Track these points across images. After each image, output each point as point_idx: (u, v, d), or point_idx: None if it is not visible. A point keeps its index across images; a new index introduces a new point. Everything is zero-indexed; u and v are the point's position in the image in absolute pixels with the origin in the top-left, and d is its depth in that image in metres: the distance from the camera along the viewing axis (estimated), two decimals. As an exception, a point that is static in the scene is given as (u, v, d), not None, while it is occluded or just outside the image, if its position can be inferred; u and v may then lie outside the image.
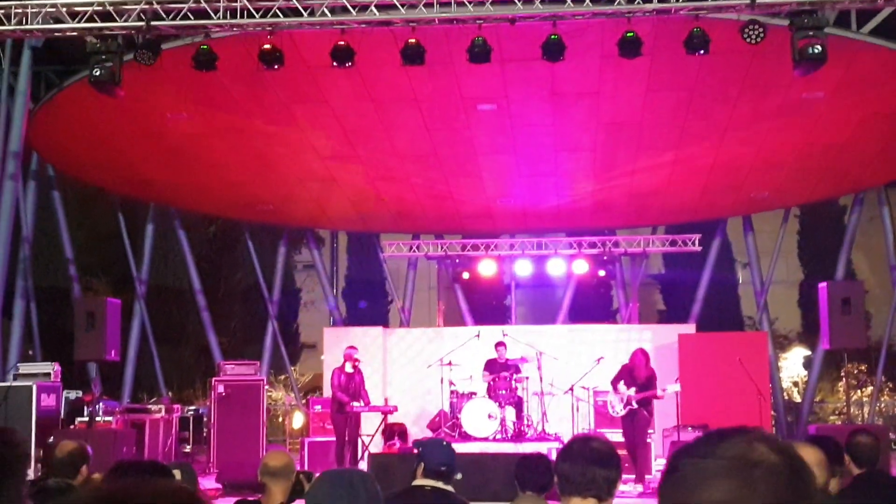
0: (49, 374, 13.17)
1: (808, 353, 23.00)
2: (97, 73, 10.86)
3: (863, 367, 21.70)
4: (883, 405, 21.30)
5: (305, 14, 10.67)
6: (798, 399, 22.46)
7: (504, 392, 14.04)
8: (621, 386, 12.76)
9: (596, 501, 3.35)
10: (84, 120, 14.41)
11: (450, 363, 14.55)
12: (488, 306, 23.73)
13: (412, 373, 16.59)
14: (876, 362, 20.08)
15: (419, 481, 4.95)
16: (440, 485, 4.92)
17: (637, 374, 12.67)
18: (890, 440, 14.75)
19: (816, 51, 10.22)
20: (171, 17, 10.67)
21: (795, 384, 24.13)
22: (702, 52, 10.86)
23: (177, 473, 4.28)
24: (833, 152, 15.54)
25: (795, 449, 1.32)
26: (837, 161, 16.03)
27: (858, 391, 21.58)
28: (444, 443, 5.20)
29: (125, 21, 10.74)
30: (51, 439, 11.28)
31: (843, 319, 13.79)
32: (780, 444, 1.31)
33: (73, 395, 14.56)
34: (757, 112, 13.83)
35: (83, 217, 21.07)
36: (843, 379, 17.78)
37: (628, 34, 10.60)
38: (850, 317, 13.80)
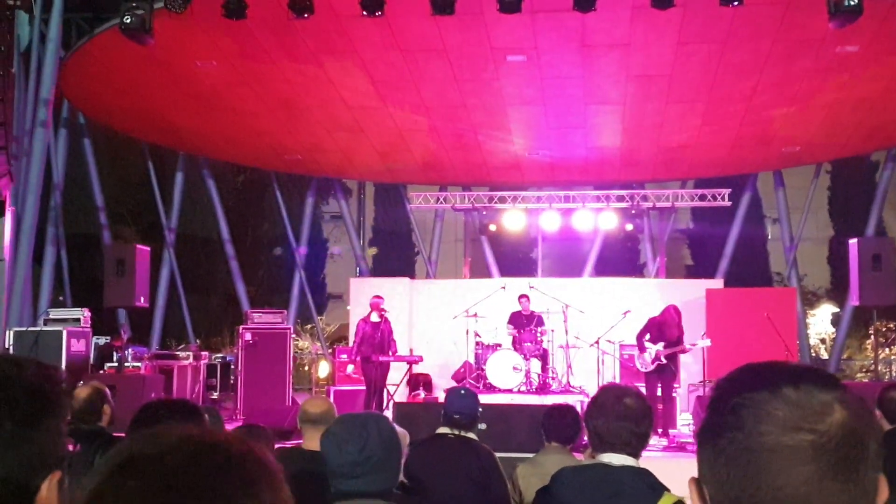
0: (79, 320, 13.33)
1: (837, 310, 22.88)
2: (128, 21, 10.88)
3: (891, 325, 21.58)
4: (911, 363, 21.21)
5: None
6: (825, 356, 22.38)
7: (529, 344, 14.09)
8: (647, 343, 12.73)
9: (630, 456, 3.35)
10: (114, 68, 14.43)
11: (475, 315, 14.60)
12: (514, 259, 23.75)
13: (438, 324, 16.64)
14: (904, 320, 19.97)
15: (442, 429, 4.99)
16: (463, 433, 4.96)
17: (668, 330, 12.61)
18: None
19: (853, 2, 10.05)
20: (200, -36, 10.62)
21: (823, 341, 24.05)
22: (735, 3, 10.70)
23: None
24: (866, 107, 15.33)
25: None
26: (870, 116, 15.81)
27: (887, 349, 21.48)
28: (464, 391, 5.22)
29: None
30: (80, 384, 11.44)
31: (873, 276, 13.70)
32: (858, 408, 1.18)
33: (102, 340, 14.74)
34: (789, 66, 13.64)
35: (113, 165, 21.19)
36: (872, 336, 17.69)
37: (661, -16, 10.46)
38: (880, 273, 13.70)
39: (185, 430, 1.06)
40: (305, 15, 11.22)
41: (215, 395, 15.59)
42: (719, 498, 1.18)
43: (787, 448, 1.13)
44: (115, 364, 13.70)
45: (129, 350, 14.42)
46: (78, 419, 5.09)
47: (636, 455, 3.37)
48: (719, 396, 1.22)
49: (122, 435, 5.06)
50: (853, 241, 14.39)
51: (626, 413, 3.33)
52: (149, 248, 14.39)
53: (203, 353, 15.72)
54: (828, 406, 1.15)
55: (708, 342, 13.19)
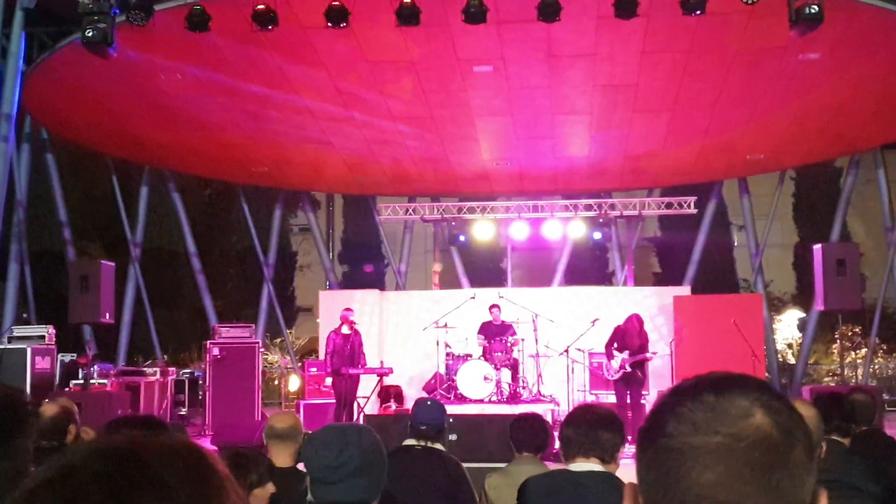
0: (44, 337, 13.17)
1: (803, 315, 23.06)
2: (90, 34, 10.78)
3: (857, 329, 21.78)
4: (877, 367, 21.39)
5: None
6: (792, 361, 22.55)
7: (500, 354, 14.09)
8: (614, 352, 12.81)
9: (599, 462, 3.36)
10: (77, 82, 14.30)
11: (445, 325, 14.59)
12: (484, 269, 23.76)
13: (408, 335, 16.61)
14: (870, 324, 20.14)
15: (409, 441, 4.96)
16: (431, 444, 4.93)
17: (629, 339, 12.73)
18: (883, 401, 14.84)
19: (814, 10, 10.16)
20: (162, -24, 10.56)
21: (790, 346, 24.23)
22: (698, 12, 10.79)
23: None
24: (829, 114, 15.49)
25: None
26: (833, 123, 15.97)
27: (852, 353, 21.67)
28: (430, 402, 5.20)
29: (117, -19, 10.62)
30: (45, 402, 11.29)
31: (837, 281, 13.84)
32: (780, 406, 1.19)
33: (67, 357, 14.58)
34: (753, 73, 13.75)
35: (77, 180, 20.99)
36: (838, 341, 17.85)
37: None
38: (844, 278, 13.85)
39: (103, 442, 1.02)
40: (270, 27, 11.18)
41: (183, 411, 15.47)
42: (647, 501, 1.20)
43: (695, 449, 1.15)
44: (81, 381, 13.55)
45: (95, 367, 14.26)
46: (42, 437, 5.01)
47: (607, 461, 3.38)
48: (655, 406, 1.25)
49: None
50: (817, 247, 14.54)
51: (595, 419, 3.38)
52: (114, 264, 14.26)
53: (170, 368, 15.59)
54: (746, 411, 1.16)
55: (667, 350, 13.30)
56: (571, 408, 3.84)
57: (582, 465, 3.32)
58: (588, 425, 3.38)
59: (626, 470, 3.35)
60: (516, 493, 4.81)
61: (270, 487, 3.98)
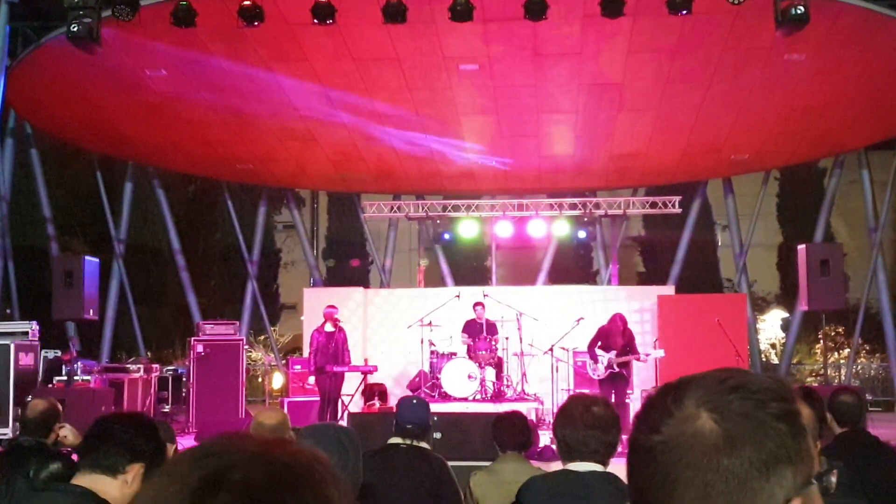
0: (27, 333, 13.10)
1: (787, 315, 23.16)
2: (75, 29, 10.74)
3: (840, 330, 21.88)
4: (860, 367, 21.50)
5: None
6: (776, 361, 22.64)
7: (484, 353, 14.10)
8: (599, 352, 12.84)
9: (596, 464, 3.34)
10: (62, 77, 14.23)
11: (430, 324, 14.59)
12: (469, 267, 23.76)
13: (392, 333, 16.61)
14: (853, 324, 20.25)
15: (394, 439, 4.96)
16: (416, 442, 4.92)
17: (613, 339, 12.76)
18: (866, 402, 14.89)
19: (799, 11, 10.21)
20: (148, -28, 10.52)
21: (773, 346, 24.33)
22: (684, 12, 10.82)
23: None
24: (813, 114, 15.55)
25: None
26: (817, 123, 16.04)
27: (836, 353, 21.78)
28: (415, 401, 5.20)
29: (102, -24, 10.58)
30: (29, 398, 11.23)
31: (821, 281, 13.90)
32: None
33: (51, 354, 14.49)
34: (738, 74, 13.80)
35: (61, 175, 20.87)
36: (821, 341, 17.93)
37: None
38: (828, 278, 13.91)
39: (251, 444, 1.08)
40: (256, 23, 11.15)
41: (167, 408, 15.39)
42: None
43: (639, 447, 1.20)
44: (64, 378, 13.47)
45: (79, 363, 14.19)
46: (28, 431, 5.00)
47: (604, 463, 3.37)
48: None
49: (65, 450, 4.97)
50: (801, 247, 14.60)
51: (594, 422, 3.33)
52: (98, 260, 14.19)
53: (154, 365, 15.51)
54: (692, 416, 1.17)
55: (661, 353, 13.31)
56: (563, 401, 3.71)
57: (584, 466, 3.27)
58: (586, 428, 3.32)
59: (614, 468, 3.35)
60: (502, 491, 4.82)
61: None
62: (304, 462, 1.07)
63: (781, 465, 1.15)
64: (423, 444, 4.95)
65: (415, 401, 5.20)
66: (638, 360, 12.96)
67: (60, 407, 5.26)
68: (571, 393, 14.67)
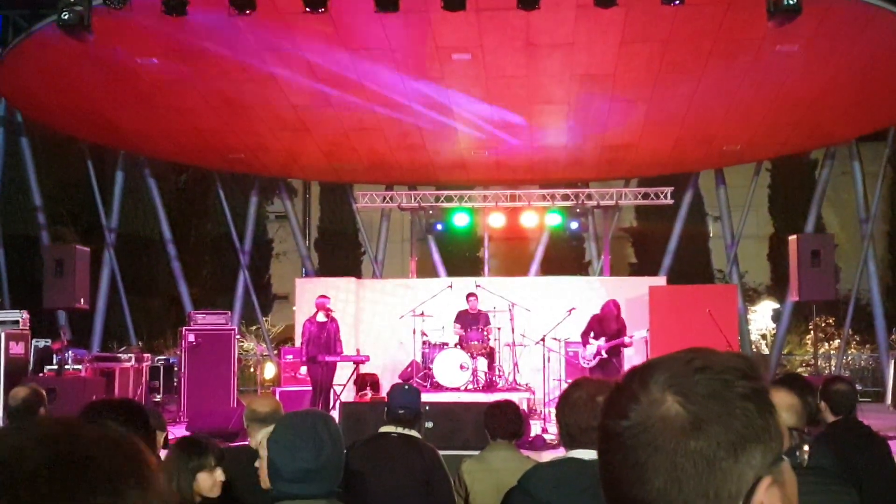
0: (18, 322, 13.08)
1: (777, 305, 23.21)
2: (66, 17, 10.70)
3: (831, 321, 21.95)
4: (850, 358, 21.57)
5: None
6: (766, 351, 22.70)
7: (476, 343, 14.12)
8: (591, 340, 12.88)
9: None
10: (53, 65, 14.16)
11: (422, 314, 14.60)
12: (461, 258, 23.77)
13: (384, 324, 16.61)
14: (844, 315, 20.32)
15: (385, 428, 4.96)
16: (407, 431, 4.93)
17: (607, 325, 12.80)
18: (857, 391, 14.94)
19: (791, 2, 10.21)
20: (139, -40, 10.47)
21: (764, 337, 24.38)
22: (677, 2, 10.82)
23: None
24: (805, 106, 15.57)
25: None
26: (809, 115, 16.06)
27: (826, 344, 21.85)
28: (407, 387, 5.21)
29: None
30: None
31: (812, 272, 13.94)
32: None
33: (41, 343, 14.47)
34: (730, 65, 13.80)
35: (52, 164, 20.80)
36: (812, 332, 17.98)
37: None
38: (819, 269, 13.94)
39: (46, 428, 1.01)
40: (247, 11, 11.12)
41: (158, 398, 15.38)
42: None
43: (608, 433, 1.21)
44: (55, 367, 13.45)
45: (70, 352, 14.16)
46: (13, 418, 5.00)
47: None
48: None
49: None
50: (792, 238, 14.63)
51: (599, 411, 3.26)
52: (89, 249, 14.15)
53: (145, 354, 15.50)
54: (658, 400, 1.18)
55: (644, 332, 13.34)
56: (566, 387, 3.61)
57: (588, 454, 3.20)
58: (591, 416, 3.25)
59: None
60: (492, 479, 4.83)
61: (219, 475, 3.99)
62: (92, 449, 0.99)
63: (750, 445, 1.15)
64: (414, 432, 4.96)
65: (406, 387, 5.22)
66: (624, 344, 13.00)
67: (43, 391, 5.25)
68: (563, 382, 14.71)
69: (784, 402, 3.58)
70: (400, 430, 4.91)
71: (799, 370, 21.71)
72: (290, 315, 20.19)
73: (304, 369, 13.92)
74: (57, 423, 1.02)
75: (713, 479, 1.14)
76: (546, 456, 8.12)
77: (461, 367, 13.76)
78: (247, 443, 4.75)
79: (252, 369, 21.18)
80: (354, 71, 14.11)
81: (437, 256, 22.37)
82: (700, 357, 1.23)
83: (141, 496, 0.99)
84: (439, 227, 18.61)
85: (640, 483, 1.16)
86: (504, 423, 5.10)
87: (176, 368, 15.45)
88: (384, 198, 19.04)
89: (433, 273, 21.73)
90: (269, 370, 17.26)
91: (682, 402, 1.16)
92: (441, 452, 5.02)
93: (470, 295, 14.68)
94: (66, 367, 13.48)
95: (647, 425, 1.16)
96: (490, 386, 14.01)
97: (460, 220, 18.03)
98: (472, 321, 14.42)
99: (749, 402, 1.17)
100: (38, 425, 1.02)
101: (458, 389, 13.67)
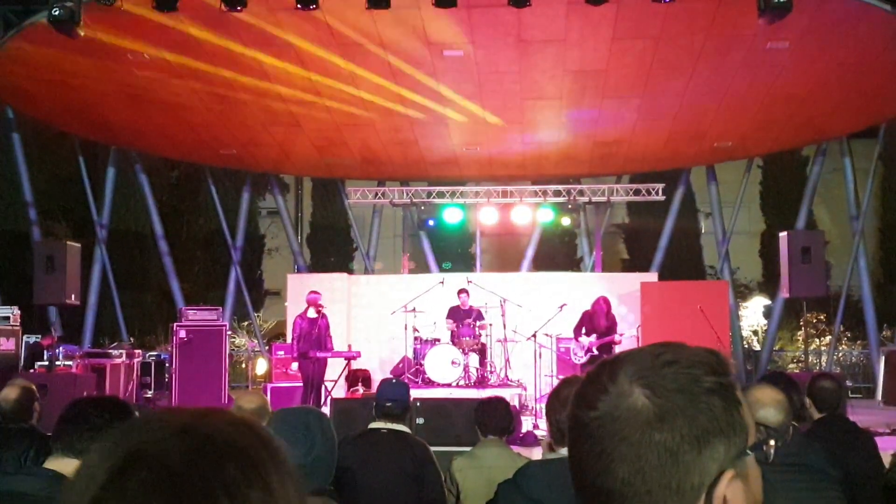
0: (8, 318, 13.05)
1: (769, 302, 23.26)
2: (57, 13, 10.67)
3: (822, 317, 21.99)
4: (841, 354, 21.63)
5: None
6: (758, 347, 22.75)
7: (468, 339, 14.13)
8: (582, 336, 12.91)
9: None
10: (44, 61, 14.11)
11: (414, 310, 14.60)
12: (453, 254, 23.77)
13: (376, 319, 16.61)
14: (835, 312, 20.37)
15: (375, 424, 4.96)
16: (396, 426, 4.93)
17: (597, 321, 12.83)
18: (846, 388, 15.01)
19: (782, -1, 10.22)
20: (130, -45, 10.45)
21: (755, 333, 24.43)
22: (668, -1, 10.81)
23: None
24: (796, 102, 15.60)
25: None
26: (800, 111, 16.09)
27: (817, 340, 21.90)
28: (395, 380, 5.21)
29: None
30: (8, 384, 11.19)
31: (803, 268, 13.97)
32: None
33: (32, 339, 14.44)
34: (721, 61, 13.82)
35: (43, 160, 20.73)
36: (803, 328, 18.02)
37: (595, -20, 10.53)
38: (810, 266, 13.97)
39: (180, 417, 0.98)
40: (238, 7, 11.10)
41: (149, 394, 15.37)
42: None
43: (577, 424, 1.24)
44: (46, 363, 13.43)
45: (60, 348, 14.14)
46: (9, 419, 4.98)
47: None
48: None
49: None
50: (783, 235, 14.66)
51: None
52: (80, 245, 14.12)
53: (137, 350, 15.48)
54: (626, 392, 1.20)
55: (633, 331, 13.38)
56: (556, 385, 3.60)
57: None
58: None
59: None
60: (483, 476, 4.84)
61: None
62: (232, 436, 0.97)
63: (713, 438, 1.17)
64: (403, 427, 4.96)
65: (394, 380, 5.23)
66: (614, 342, 13.04)
67: (34, 387, 5.24)
68: (554, 379, 14.72)
69: (769, 399, 3.60)
70: (389, 425, 4.91)
71: (790, 366, 21.77)
72: (282, 311, 20.17)
73: (294, 365, 13.92)
74: (184, 412, 1.00)
75: (676, 470, 1.16)
76: (537, 452, 8.12)
77: (453, 362, 13.77)
78: None
79: (243, 365, 21.17)
80: (346, 67, 14.09)
81: (429, 252, 22.36)
82: (670, 351, 1.24)
83: (279, 482, 0.98)
84: (431, 222, 18.60)
85: (606, 472, 1.18)
86: (495, 419, 5.11)
87: (167, 364, 15.43)
88: (376, 193, 19.02)
89: (425, 269, 21.74)
90: (261, 366, 17.25)
91: (648, 395, 1.18)
92: (432, 448, 5.02)
93: (461, 291, 14.69)
94: (57, 363, 13.45)
95: (614, 416, 1.19)
96: (481, 382, 14.03)
97: (452, 216, 18.03)
98: (463, 317, 14.43)
99: (715, 397, 1.19)
100: (168, 414, 1.00)
101: (449, 385, 13.69)
